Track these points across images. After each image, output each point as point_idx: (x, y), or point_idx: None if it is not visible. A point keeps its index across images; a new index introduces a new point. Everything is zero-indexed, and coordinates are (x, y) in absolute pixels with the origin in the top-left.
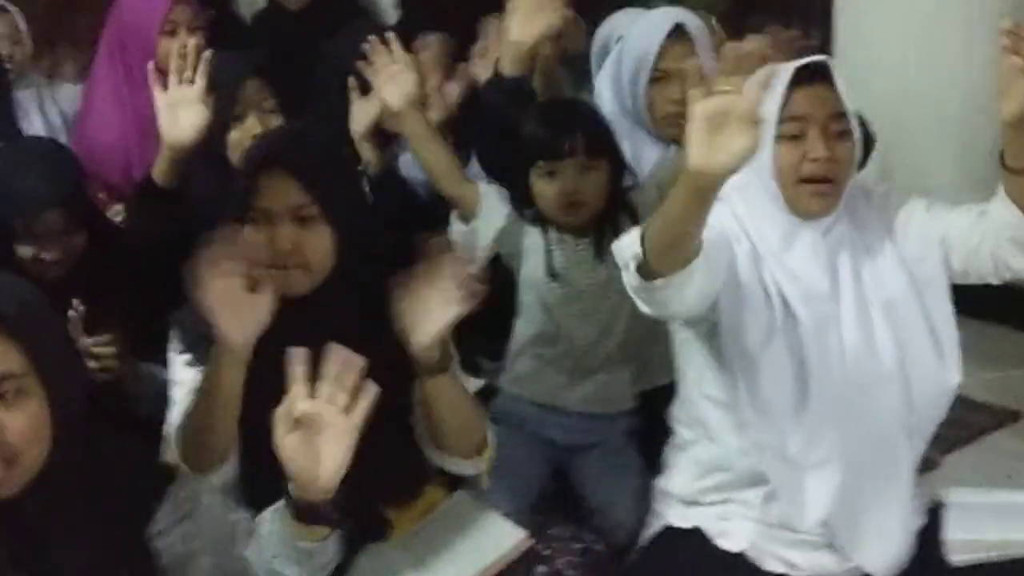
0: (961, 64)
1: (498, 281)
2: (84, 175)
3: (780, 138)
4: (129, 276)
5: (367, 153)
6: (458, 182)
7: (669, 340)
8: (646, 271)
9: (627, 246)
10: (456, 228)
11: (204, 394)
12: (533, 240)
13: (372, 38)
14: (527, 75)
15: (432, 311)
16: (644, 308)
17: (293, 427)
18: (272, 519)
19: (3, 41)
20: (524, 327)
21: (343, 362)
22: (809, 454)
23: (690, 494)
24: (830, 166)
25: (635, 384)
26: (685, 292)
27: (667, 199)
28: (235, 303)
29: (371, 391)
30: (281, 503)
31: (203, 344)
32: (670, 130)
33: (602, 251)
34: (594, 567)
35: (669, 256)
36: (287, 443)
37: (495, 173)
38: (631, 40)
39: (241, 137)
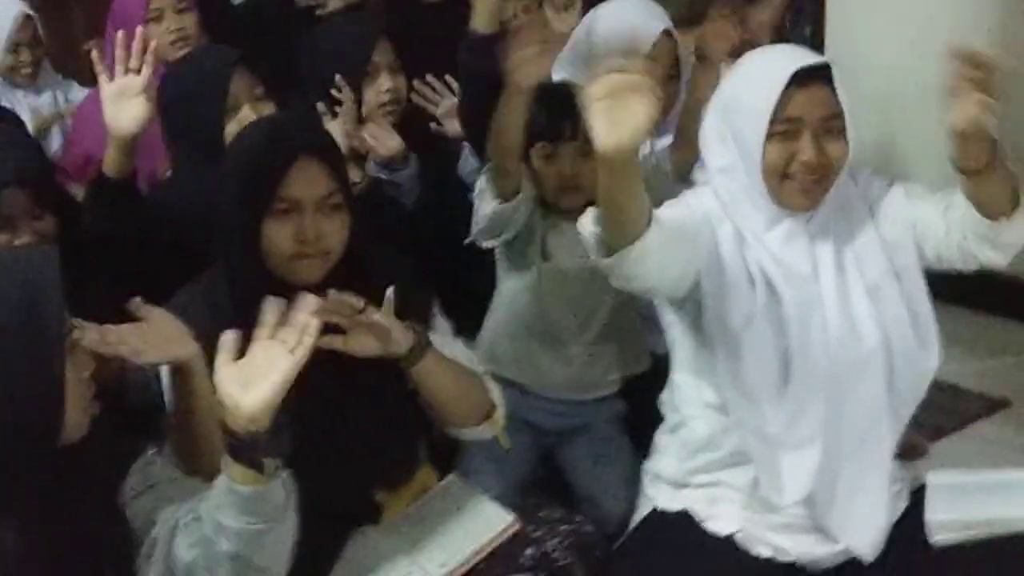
0: (950, 63)
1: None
2: (49, 161)
3: (772, 136)
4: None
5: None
6: (517, 157)
7: (649, 328)
8: (605, 247)
9: (587, 224)
10: (488, 207)
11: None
12: (530, 221)
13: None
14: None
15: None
16: (615, 283)
17: (233, 358)
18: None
19: (25, 49)
20: (508, 309)
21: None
22: (790, 433)
23: (679, 476)
24: (819, 167)
25: (615, 371)
26: (644, 266)
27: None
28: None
29: (314, 326)
30: None
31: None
32: None
33: None
34: (583, 549)
35: (616, 232)
36: (223, 371)
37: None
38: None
39: (238, 128)
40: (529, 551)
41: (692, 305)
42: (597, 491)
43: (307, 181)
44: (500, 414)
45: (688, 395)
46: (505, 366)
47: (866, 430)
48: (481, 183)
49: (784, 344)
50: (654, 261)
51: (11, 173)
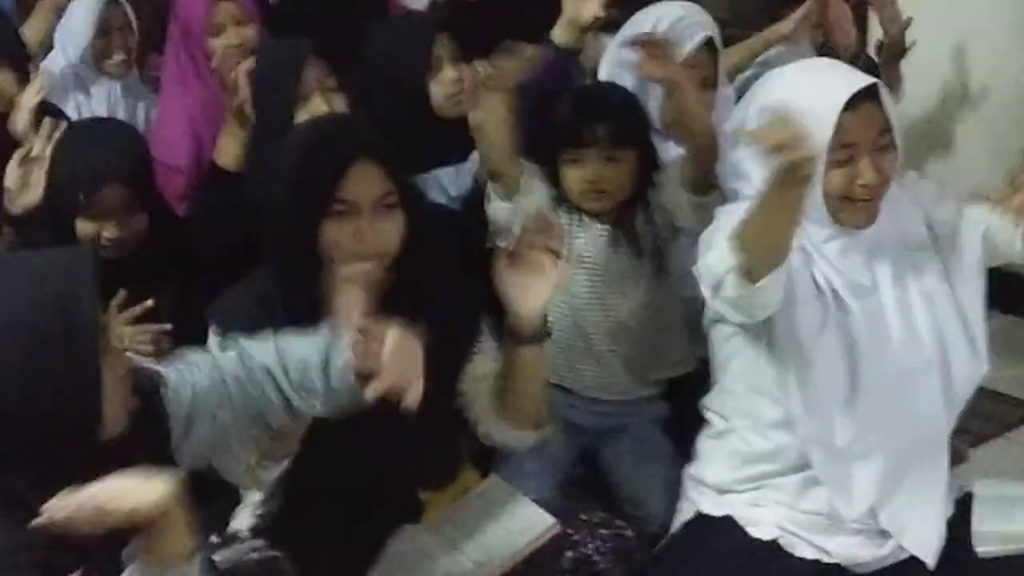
0: (997, 65)
1: None
2: (149, 157)
3: (832, 164)
4: (184, 266)
5: None
6: (509, 158)
7: (681, 333)
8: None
9: (717, 263)
10: (495, 206)
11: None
12: (560, 221)
13: None
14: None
15: (534, 283)
16: (736, 317)
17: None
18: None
19: (116, 33)
20: None
21: None
22: (858, 444)
23: (725, 483)
24: (879, 185)
25: (654, 372)
26: (777, 293)
27: (760, 202)
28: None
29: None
30: None
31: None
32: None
33: (618, 239)
34: (624, 554)
35: (770, 258)
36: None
37: (530, 152)
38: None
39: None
40: (569, 554)
41: (762, 322)
42: (638, 491)
43: (364, 182)
44: (550, 428)
45: (742, 406)
46: None
47: (926, 437)
48: (488, 187)
49: (852, 355)
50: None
51: (114, 171)
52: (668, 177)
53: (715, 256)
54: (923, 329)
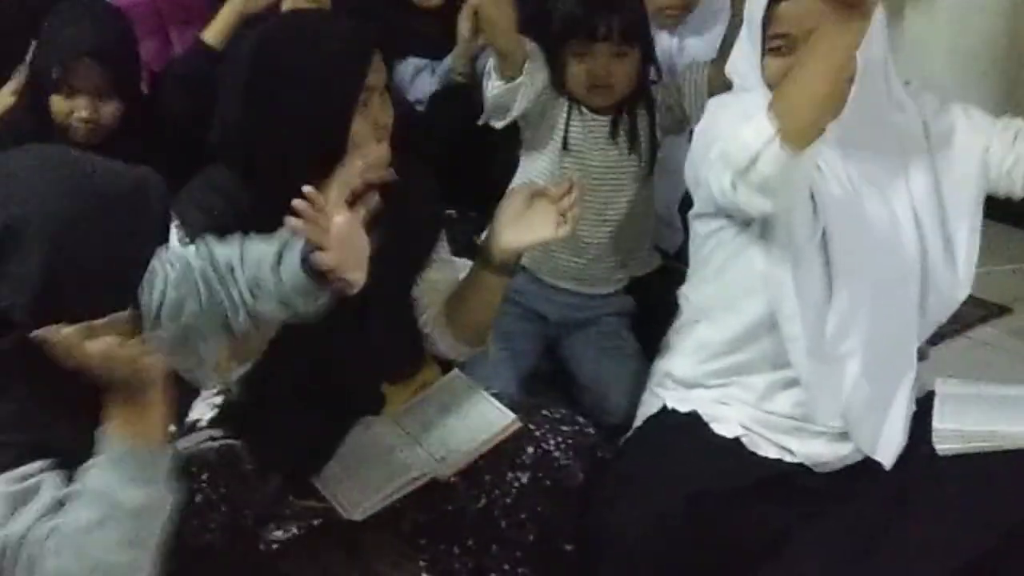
0: None
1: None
2: (133, 43)
3: (767, 51)
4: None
5: None
6: (513, 36)
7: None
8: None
9: (753, 137)
10: (494, 85)
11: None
12: (557, 111)
13: None
14: None
15: (529, 225)
16: (758, 205)
17: None
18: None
19: None
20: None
21: None
22: (835, 346)
23: (692, 377)
24: None
25: (623, 267)
26: (805, 177)
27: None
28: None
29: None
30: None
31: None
32: (664, 21)
33: (616, 132)
34: (585, 450)
35: (820, 116)
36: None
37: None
38: None
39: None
40: (530, 449)
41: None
42: (600, 383)
43: (379, 70)
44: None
45: (720, 297)
46: None
47: (899, 345)
48: (489, 64)
49: (835, 256)
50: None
51: (90, 45)
52: (696, 75)
53: (751, 131)
54: (906, 240)
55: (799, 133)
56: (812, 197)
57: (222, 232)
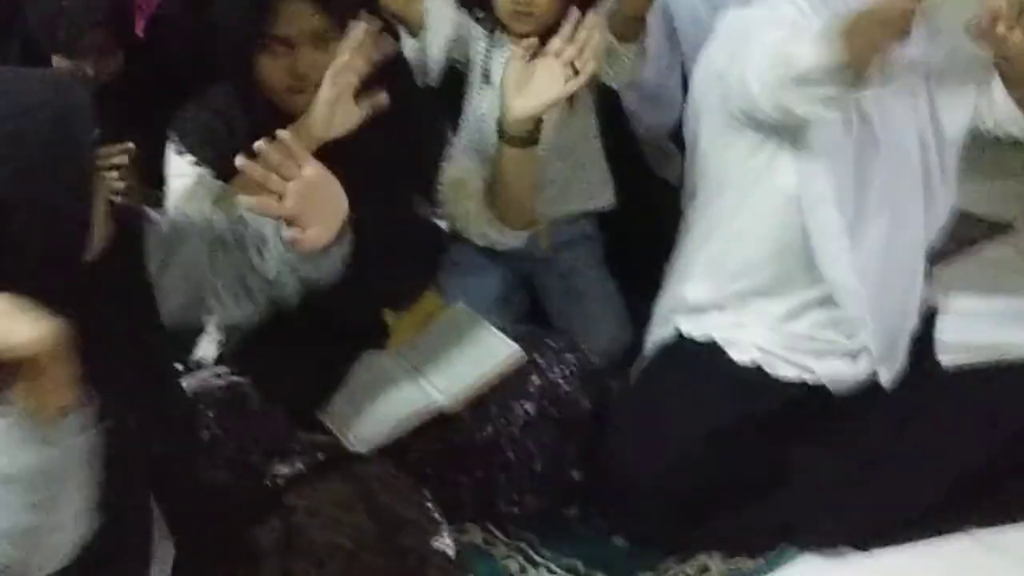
0: None
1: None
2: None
3: None
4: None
5: None
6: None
7: (599, 167)
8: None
9: (807, 55)
10: (407, 43)
11: None
12: (478, 47)
13: None
14: None
15: (538, 85)
16: (811, 113)
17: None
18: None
19: None
20: (466, 134)
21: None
22: (855, 249)
23: (708, 300)
24: None
25: (564, 203)
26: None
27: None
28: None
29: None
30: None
31: (206, 147)
32: None
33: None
34: (589, 378)
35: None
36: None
37: None
38: None
39: None
40: (535, 379)
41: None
42: (579, 324)
43: (297, 19)
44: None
45: (738, 218)
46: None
47: (912, 255)
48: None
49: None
50: None
51: (96, 14)
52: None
53: (809, 55)
54: (910, 140)
55: (863, 66)
56: None
57: (217, 149)
